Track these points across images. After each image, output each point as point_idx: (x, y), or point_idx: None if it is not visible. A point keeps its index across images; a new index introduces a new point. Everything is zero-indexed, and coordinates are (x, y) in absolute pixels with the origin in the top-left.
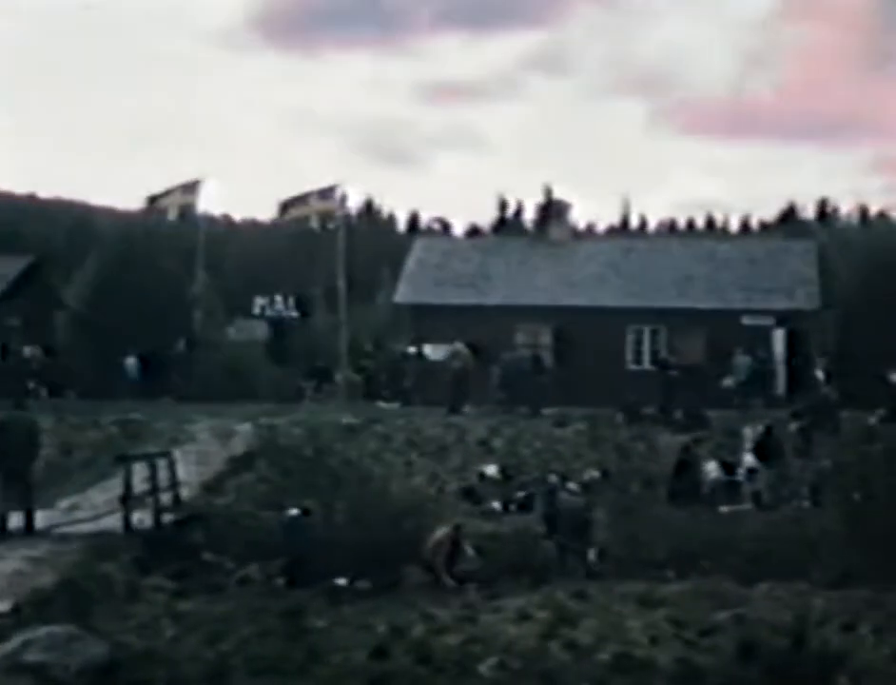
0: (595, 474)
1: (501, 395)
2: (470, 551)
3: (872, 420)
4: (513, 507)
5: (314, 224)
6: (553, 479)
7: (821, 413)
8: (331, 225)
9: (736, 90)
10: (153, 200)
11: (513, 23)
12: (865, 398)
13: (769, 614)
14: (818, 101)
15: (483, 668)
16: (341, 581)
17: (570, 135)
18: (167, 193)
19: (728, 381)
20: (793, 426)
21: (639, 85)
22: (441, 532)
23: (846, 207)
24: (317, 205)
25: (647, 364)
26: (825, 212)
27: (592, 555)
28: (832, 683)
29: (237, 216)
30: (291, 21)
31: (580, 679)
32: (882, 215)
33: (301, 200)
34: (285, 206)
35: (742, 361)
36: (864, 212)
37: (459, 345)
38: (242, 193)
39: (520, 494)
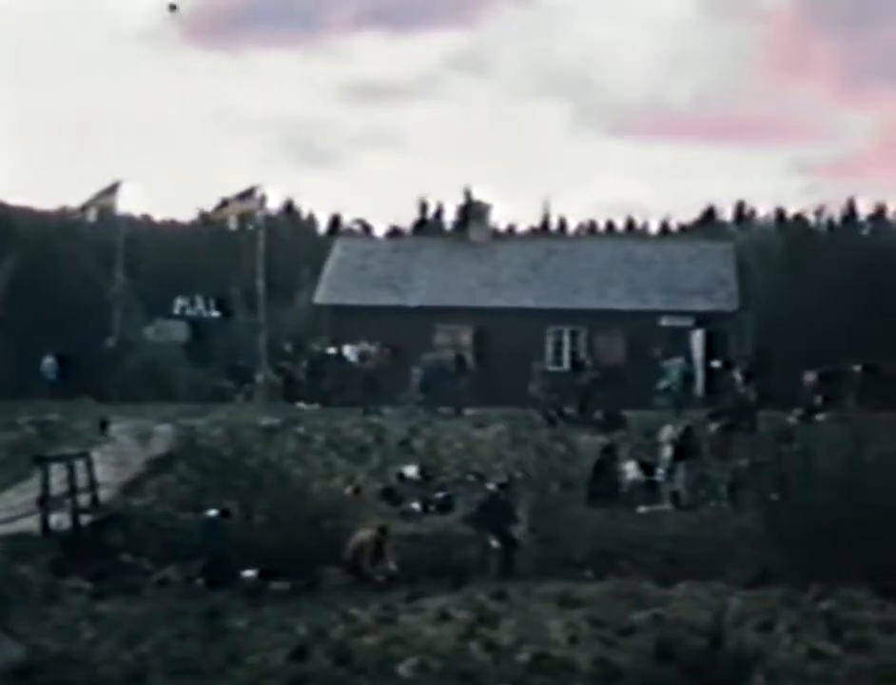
0: (516, 474)
1: (421, 396)
2: (393, 565)
3: (790, 419)
4: (432, 508)
5: (233, 225)
6: (516, 475)
7: (739, 414)
8: (251, 226)
9: (657, 92)
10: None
11: (435, 23)
12: (782, 398)
13: (687, 614)
14: (737, 103)
15: (403, 668)
16: (249, 573)
17: (491, 136)
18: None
19: (662, 384)
20: (713, 427)
21: (561, 87)
22: (365, 533)
23: (763, 210)
24: (236, 206)
25: (566, 366)
26: (742, 214)
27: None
28: (749, 682)
29: (157, 216)
30: (211, 19)
31: (500, 680)
32: (798, 217)
33: (221, 206)
34: (206, 218)
35: (675, 363)
36: (781, 214)
37: (367, 346)
38: (162, 193)
39: (440, 494)
